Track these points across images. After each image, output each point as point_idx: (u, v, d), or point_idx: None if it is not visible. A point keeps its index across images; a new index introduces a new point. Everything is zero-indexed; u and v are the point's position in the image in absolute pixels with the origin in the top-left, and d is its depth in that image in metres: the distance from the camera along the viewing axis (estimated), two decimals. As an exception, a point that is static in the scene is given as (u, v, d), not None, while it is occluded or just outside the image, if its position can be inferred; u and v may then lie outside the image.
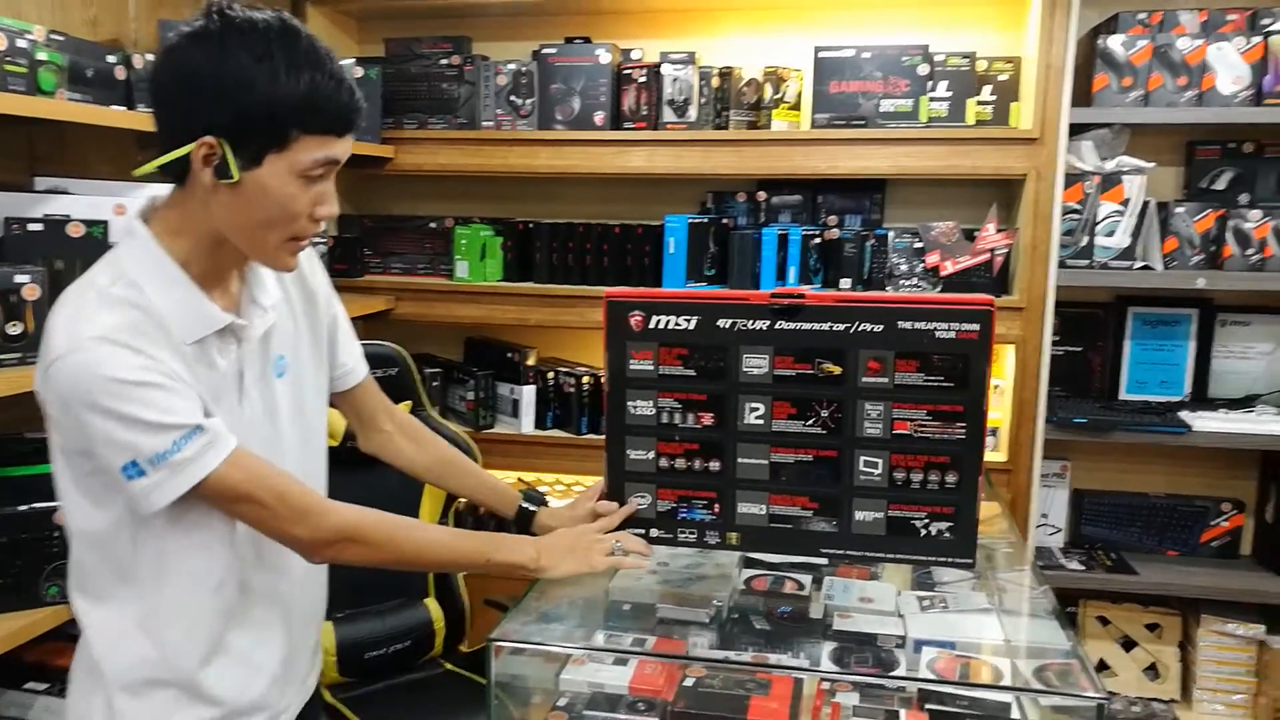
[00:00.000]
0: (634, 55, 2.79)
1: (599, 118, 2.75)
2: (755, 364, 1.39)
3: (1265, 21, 2.49)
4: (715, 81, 2.70)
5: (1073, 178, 2.54)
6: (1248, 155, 2.65)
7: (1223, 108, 2.47)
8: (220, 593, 1.22)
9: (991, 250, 2.62)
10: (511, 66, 2.81)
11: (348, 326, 1.46)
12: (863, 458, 1.38)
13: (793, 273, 2.68)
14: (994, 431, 2.65)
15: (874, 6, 2.73)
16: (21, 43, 1.69)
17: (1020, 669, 1.31)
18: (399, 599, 2.26)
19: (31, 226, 1.69)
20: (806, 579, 1.58)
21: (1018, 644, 1.42)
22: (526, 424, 2.86)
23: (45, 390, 1.11)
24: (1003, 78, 2.62)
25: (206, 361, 1.18)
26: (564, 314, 2.80)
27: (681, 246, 2.70)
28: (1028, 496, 2.56)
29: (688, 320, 1.40)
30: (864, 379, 1.36)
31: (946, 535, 1.36)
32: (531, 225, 2.89)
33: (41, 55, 1.74)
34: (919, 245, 2.67)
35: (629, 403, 1.44)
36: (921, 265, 2.66)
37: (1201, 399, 2.67)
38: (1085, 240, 2.56)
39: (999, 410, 2.64)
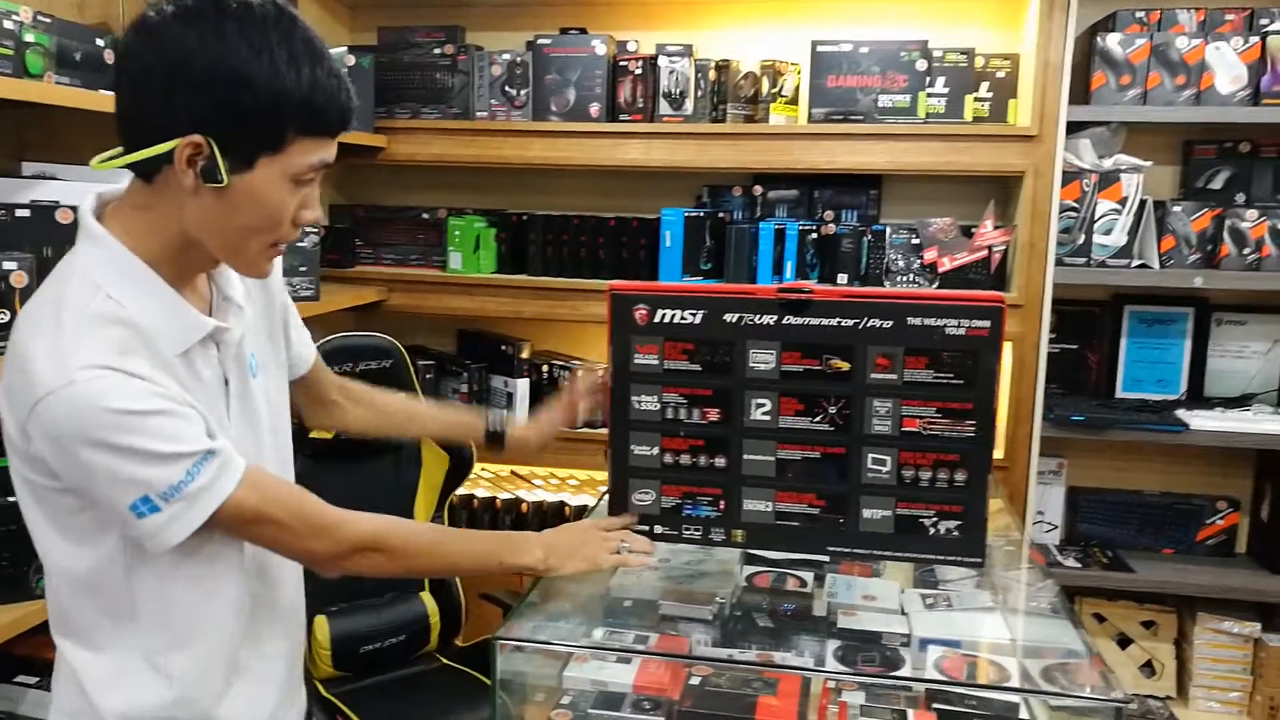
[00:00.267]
0: (630, 47, 2.76)
1: (594, 109, 2.72)
2: (762, 359, 1.37)
3: (1263, 22, 2.49)
4: (712, 74, 2.68)
5: (1070, 175, 2.53)
6: (1244, 155, 2.64)
7: (1220, 107, 2.47)
8: (234, 615, 1.14)
9: (989, 247, 2.61)
10: (506, 57, 2.78)
11: (294, 309, 1.37)
12: (871, 455, 1.36)
13: (789, 267, 2.66)
14: (989, 429, 2.64)
15: (872, 1, 2.72)
16: (8, 24, 1.65)
17: (1028, 668, 1.30)
18: (394, 593, 2.24)
19: (19, 213, 1.65)
20: (809, 576, 1.57)
21: (1025, 642, 1.42)
22: (521, 417, 2.82)
23: (29, 426, 0.98)
24: (1001, 74, 2.61)
25: (194, 374, 1.08)
26: (558, 307, 2.78)
27: (678, 240, 2.67)
28: (1024, 494, 2.55)
29: (693, 314, 1.38)
30: (872, 375, 1.34)
31: (955, 534, 1.35)
32: (526, 217, 2.86)
33: (29, 37, 1.69)
34: (916, 241, 2.65)
35: (633, 398, 1.42)
36: (919, 261, 2.65)
37: (1198, 398, 2.67)
38: (1082, 238, 2.55)
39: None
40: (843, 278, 2.67)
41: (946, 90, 2.60)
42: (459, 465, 2.34)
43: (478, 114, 2.81)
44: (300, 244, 2.37)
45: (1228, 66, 2.46)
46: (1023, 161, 2.52)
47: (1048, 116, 2.49)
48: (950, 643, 1.37)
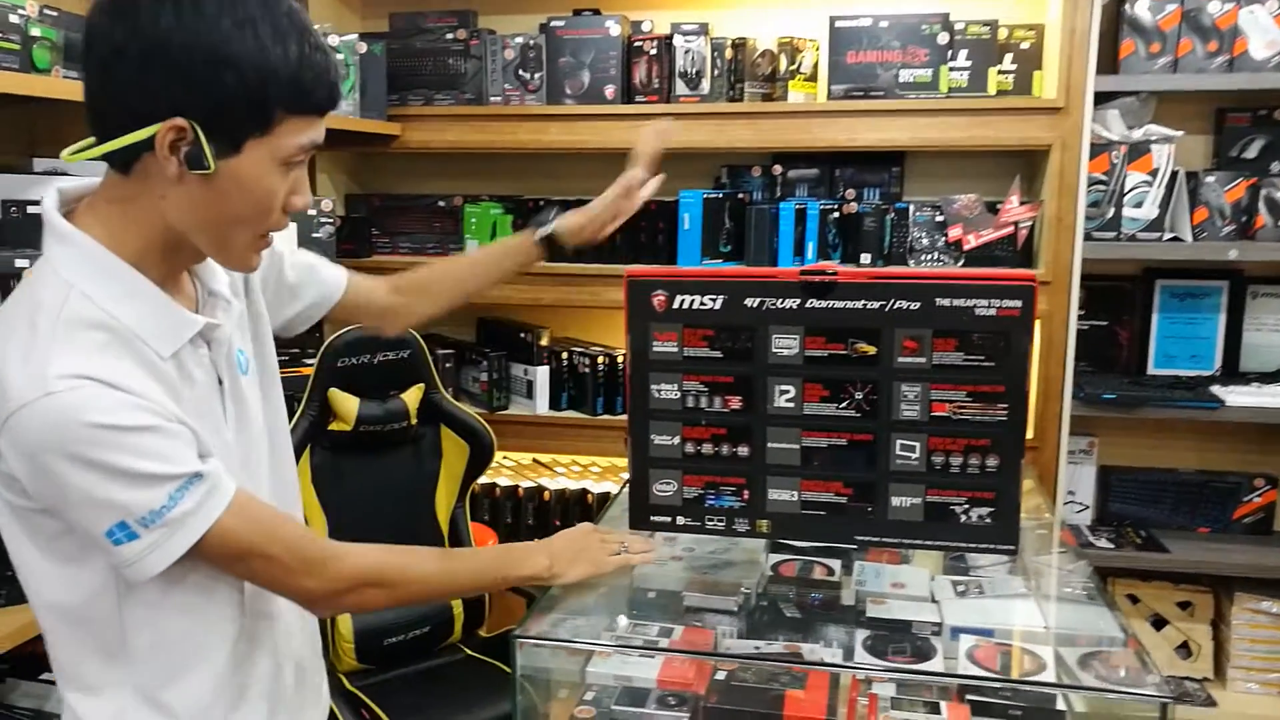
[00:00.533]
0: (644, 27, 2.72)
1: (609, 91, 2.68)
2: (785, 344, 1.33)
3: (1299, -18, 2.41)
4: (728, 53, 2.63)
5: (1099, 148, 2.47)
6: (1278, 122, 2.57)
7: (1254, 73, 2.39)
8: (232, 640, 1.07)
9: (1015, 223, 2.55)
10: (519, 40, 2.74)
11: (289, 252, 1.27)
12: (899, 441, 1.32)
13: (811, 248, 2.61)
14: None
15: (891, -27, 2.66)
16: (14, 18, 1.63)
17: (1065, 657, 1.26)
18: (415, 586, 2.23)
19: (30, 209, 1.64)
20: (836, 564, 1.54)
21: (1060, 629, 1.38)
22: (541, 405, 2.81)
23: (1, 441, 0.91)
24: (1025, 46, 2.55)
25: (186, 376, 1.00)
26: (577, 293, 2.75)
27: (696, 222, 2.63)
28: (1054, 474, 2.51)
29: (713, 300, 1.35)
30: (900, 359, 1.30)
31: (988, 521, 1.31)
32: (542, 202, 2.83)
33: (35, 31, 1.68)
34: (940, 219, 2.60)
35: (653, 386, 1.39)
36: (943, 239, 2.60)
37: (1233, 373, 2.61)
38: (1112, 212, 2.49)
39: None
40: (866, 257, 2.62)
41: (969, 63, 2.54)
42: (480, 454, 2.32)
43: (491, 99, 2.78)
44: (315, 235, 2.34)
45: (1262, 31, 2.38)
46: (1049, 134, 2.46)
47: (1074, 87, 2.42)
48: (983, 631, 1.33)
